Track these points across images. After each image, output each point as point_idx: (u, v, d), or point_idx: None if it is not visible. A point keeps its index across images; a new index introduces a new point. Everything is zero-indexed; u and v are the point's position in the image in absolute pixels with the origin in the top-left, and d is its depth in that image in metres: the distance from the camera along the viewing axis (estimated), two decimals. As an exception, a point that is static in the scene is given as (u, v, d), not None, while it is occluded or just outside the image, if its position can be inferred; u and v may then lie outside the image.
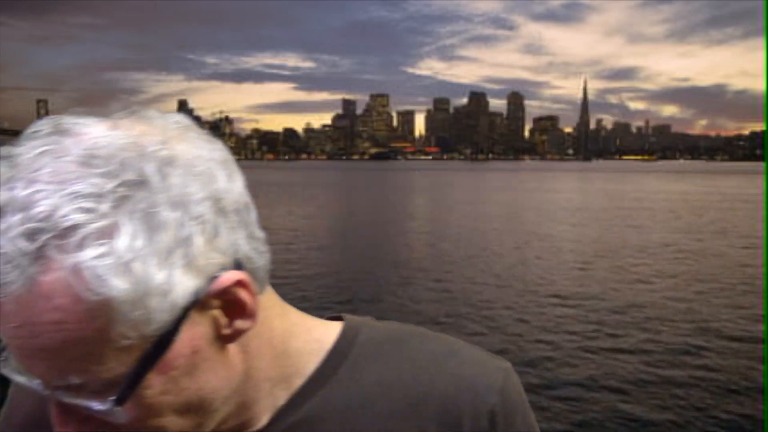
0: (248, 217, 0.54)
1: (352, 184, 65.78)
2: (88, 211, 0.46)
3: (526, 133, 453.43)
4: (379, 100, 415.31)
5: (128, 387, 0.50)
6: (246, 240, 0.54)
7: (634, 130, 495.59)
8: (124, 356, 0.49)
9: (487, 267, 13.19)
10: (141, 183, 0.48)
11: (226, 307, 0.53)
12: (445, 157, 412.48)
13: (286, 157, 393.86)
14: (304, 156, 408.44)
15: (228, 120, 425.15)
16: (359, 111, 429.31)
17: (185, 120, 0.55)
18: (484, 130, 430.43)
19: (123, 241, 0.47)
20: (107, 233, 0.46)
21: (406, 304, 9.85)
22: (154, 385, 0.51)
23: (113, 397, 0.50)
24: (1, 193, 0.46)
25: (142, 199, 0.48)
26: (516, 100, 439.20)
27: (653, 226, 21.53)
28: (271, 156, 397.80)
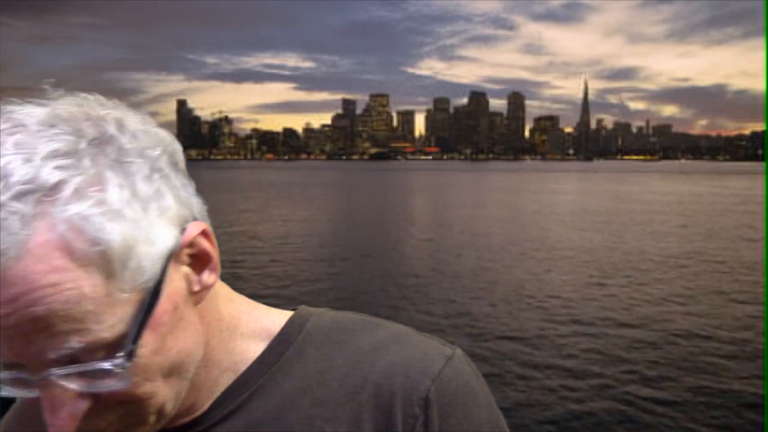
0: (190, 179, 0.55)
1: (350, 184, 64.27)
2: (70, 167, 0.46)
3: (527, 133, 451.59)
4: (379, 100, 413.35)
5: (133, 341, 0.49)
6: (195, 197, 0.55)
7: (634, 130, 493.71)
8: (120, 312, 0.48)
9: (493, 283, 11.70)
10: (108, 140, 0.49)
11: (194, 260, 0.54)
12: (445, 157, 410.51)
13: (286, 157, 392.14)
14: (303, 156, 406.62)
15: (227, 120, 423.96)
16: (359, 111, 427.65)
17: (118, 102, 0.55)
18: (484, 130, 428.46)
19: (112, 191, 0.47)
20: (95, 185, 0.47)
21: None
22: (149, 342, 0.50)
23: (121, 353, 0.48)
24: None
25: (112, 154, 0.49)
26: (516, 100, 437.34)
27: (671, 231, 20.02)
28: (270, 156, 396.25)
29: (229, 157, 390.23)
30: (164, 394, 0.53)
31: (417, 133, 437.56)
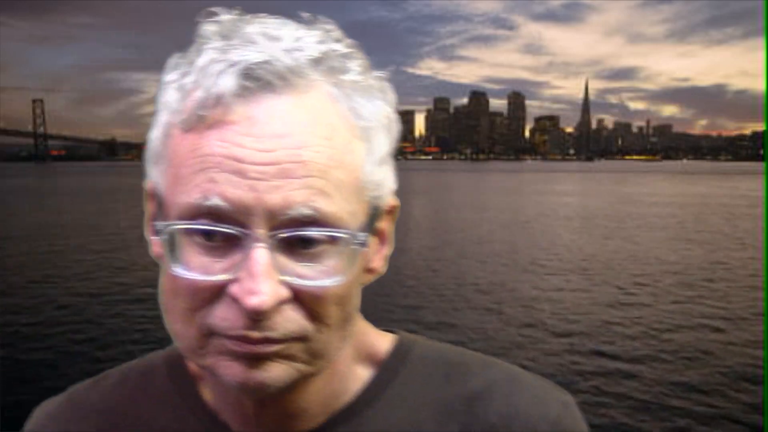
0: None
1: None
2: (353, 48, 0.49)
3: (527, 133, 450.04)
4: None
5: (364, 240, 0.48)
6: None
7: (635, 130, 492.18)
8: (359, 208, 0.48)
9: (500, 303, 10.30)
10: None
11: (378, 233, 0.51)
12: (445, 157, 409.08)
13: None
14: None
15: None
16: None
17: None
18: (484, 130, 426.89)
19: (387, 86, 0.50)
20: (372, 71, 0.50)
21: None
22: (362, 262, 0.51)
23: (362, 234, 0.48)
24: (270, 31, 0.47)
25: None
26: (516, 99, 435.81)
27: (690, 238, 18.58)
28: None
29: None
30: (335, 335, 0.50)
31: (417, 133, 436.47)
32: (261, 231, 0.44)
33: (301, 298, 0.47)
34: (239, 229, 0.45)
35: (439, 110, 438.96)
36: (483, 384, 0.58)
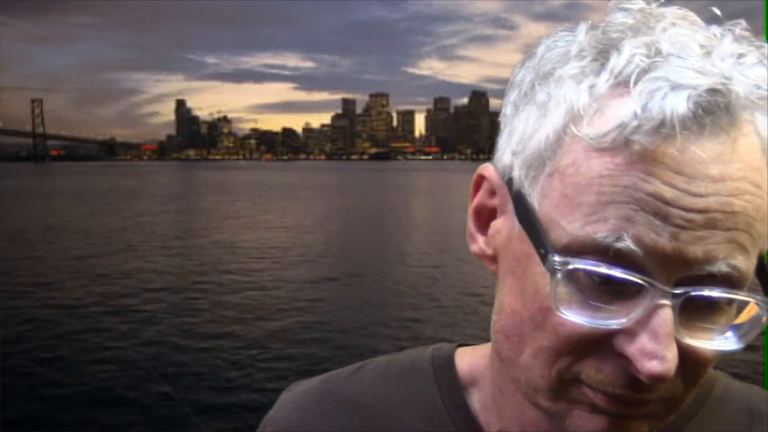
0: None
1: (348, 186, 62.14)
2: None
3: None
4: (379, 99, 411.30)
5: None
6: None
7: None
8: (754, 260, 0.41)
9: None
10: None
11: None
12: (445, 157, 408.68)
13: (285, 157, 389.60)
14: (302, 156, 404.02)
15: (227, 120, 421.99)
16: (359, 111, 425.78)
17: None
18: (485, 130, 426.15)
19: None
20: None
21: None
22: None
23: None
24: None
25: None
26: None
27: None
28: (269, 156, 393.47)
29: (227, 157, 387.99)
30: (694, 393, 0.45)
31: (417, 133, 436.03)
32: (671, 286, 0.39)
33: (686, 361, 0.41)
34: (648, 279, 0.39)
35: (440, 110, 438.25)
36: None
